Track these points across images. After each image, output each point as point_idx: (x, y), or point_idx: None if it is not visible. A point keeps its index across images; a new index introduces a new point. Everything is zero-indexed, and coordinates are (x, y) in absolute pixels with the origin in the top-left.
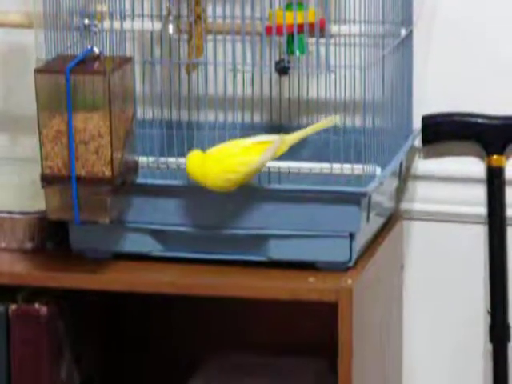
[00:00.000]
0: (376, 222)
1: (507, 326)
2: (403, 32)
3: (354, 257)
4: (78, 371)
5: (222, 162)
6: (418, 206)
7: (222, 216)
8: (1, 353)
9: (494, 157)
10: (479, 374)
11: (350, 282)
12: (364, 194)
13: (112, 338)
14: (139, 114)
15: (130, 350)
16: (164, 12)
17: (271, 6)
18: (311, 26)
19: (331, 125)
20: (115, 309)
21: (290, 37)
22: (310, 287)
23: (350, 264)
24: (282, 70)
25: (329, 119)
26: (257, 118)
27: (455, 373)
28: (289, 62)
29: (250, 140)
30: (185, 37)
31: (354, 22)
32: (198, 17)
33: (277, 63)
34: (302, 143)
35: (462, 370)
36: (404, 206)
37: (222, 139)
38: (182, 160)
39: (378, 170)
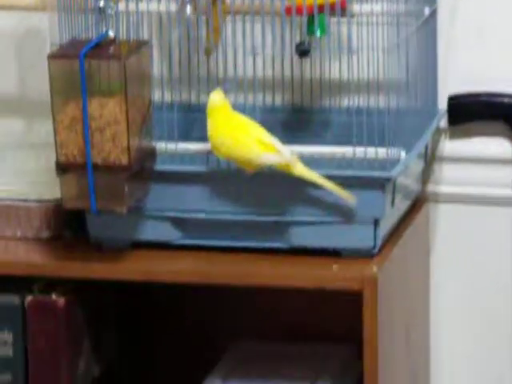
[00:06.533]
0: (401, 205)
1: None
2: (427, 11)
3: (379, 243)
4: (97, 362)
5: (236, 133)
6: (444, 189)
7: (242, 202)
8: (18, 345)
9: None
10: (508, 361)
11: (374, 269)
12: (388, 179)
13: (131, 327)
14: (157, 97)
15: (149, 340)
16: None
17: None
18: (332, 5)
19: (346, 199)
20: (134, 297)
21: (311, 17)
22: (334, 275)
23: (375, 251)
24: (303, 52)
25: (348, 196)
26: (278, 100)
27: (483, 360)
28: (309, 43)
29: (271, 138)
30: (203, 18)
31: (376, 0)
32: None
33: (297, 46)
34: (325, 126)
35: (489, 356)
36: (430, 188)
37: None
38: (200, 145)
39: (403, 154)
